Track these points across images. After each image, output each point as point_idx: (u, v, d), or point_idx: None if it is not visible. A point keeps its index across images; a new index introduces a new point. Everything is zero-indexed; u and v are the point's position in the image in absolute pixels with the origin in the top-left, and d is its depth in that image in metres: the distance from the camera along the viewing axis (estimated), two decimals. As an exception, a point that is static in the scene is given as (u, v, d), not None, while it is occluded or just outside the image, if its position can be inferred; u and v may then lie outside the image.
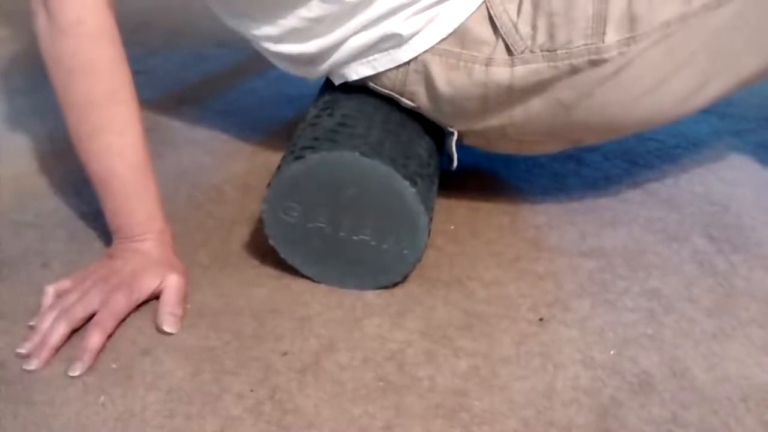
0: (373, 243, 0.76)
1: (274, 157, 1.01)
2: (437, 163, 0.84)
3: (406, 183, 0.72)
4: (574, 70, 0.75)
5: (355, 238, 0.76)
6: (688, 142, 1.09)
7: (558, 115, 0.78)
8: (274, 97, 1.20)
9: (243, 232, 0.88)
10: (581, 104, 0.77)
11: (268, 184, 0.75)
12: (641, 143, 1.08)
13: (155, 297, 0.76)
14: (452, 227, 0.90)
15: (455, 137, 0.83)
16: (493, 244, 0.87)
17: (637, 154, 1.05)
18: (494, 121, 0.80)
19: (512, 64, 0.76)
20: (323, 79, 0.92)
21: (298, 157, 0.73)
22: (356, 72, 0.81)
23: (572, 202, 0.95)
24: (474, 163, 1.01)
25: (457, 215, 0.92)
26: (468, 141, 0.85)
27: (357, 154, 0.71)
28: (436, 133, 0.86)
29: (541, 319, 0.77)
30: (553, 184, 0.99)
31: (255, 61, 1.28)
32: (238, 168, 1.01)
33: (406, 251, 0.76)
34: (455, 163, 0.84)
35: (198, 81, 1.25)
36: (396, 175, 0.72)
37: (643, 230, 0.90)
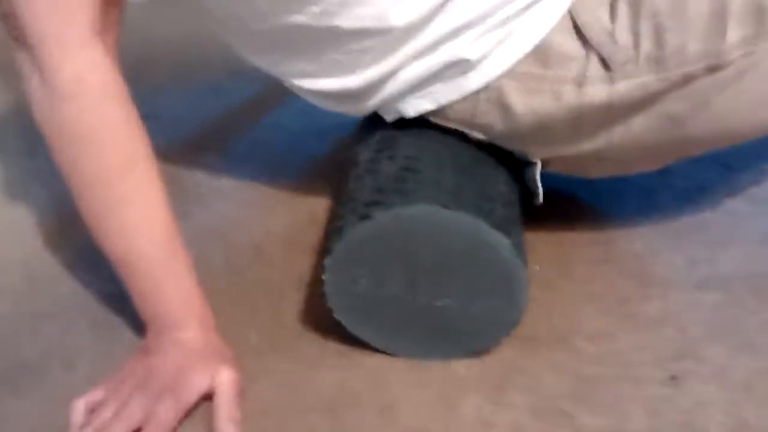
0: (459, 307, 0.63)
1: (317, 205, 0.88)
2: (518, 198, 0.71)
3: (498, 234, 0.59)
4: (688, 79, 0.62)
5: (436, 303, 0.63)
6: None
7: (666, 131, 0.65)
8: (303, 130, 1.06)
9: (295, 301, 0.75)
10: (695, 117, 0.64)
11: (328, 250, 0.62)
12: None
13: (207, 398, 0.63)
14: (537, 268, 0.76)
15: (539, 167, 0.69)
16: (589, 285, 0.74)
17: (729, 157, 0.92)
18: (588, 145, 0.67)
19: (611, 81, 0.63)
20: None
21: (364, 217, 0.60)
22: (414, 107, 0.68)
23: (669, 220, 0.82)
24: (546, 186, 0.88)
25: (539, 252, 0.78)
26: (554, 168, 0.71)
27: (436, 207, 0.58)
28: (512, 161, 0.73)
29: (672, 378, 0.64)
30: (642, 201, 0.85)
31: (277, 89, 1.15)
32: (277, 221, 0.88)
33: (502, 313, 0.63)
34: (540, 197, 0.71)
35: (215, 120, 1.12)
36: (485, 226, 0.59)
37: (761, 248, 0.77)
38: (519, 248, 0.61)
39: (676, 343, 0.67)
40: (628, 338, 0.68)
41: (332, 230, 0.64)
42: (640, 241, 0.79)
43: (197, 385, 0.62)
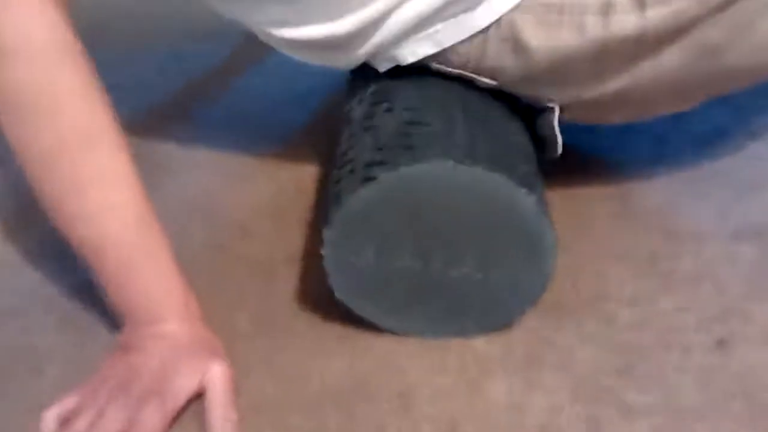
0: (477, 277, 0.55)
1: (303, 174, 0.79)
2: (534, 150, 0.63)
3: (522, 190, 0.51)
4: (730, 1, 0.54)
5: (452, 274, 0.55)
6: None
7: (701, 63, 0.58)
8: (282, 96, 0.97)
9: (289, 279, 0.67)
10: (735, 45, 0.56)
11: (326, 220, 0.54)
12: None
13: (196, 397, 0.55)
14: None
15: (556, 113, 0.62)
16: (612, 243, 0.67)
17: (740, 98, 0.84)
18: (612, 84, 0.59)
19: (642, 8, 0.55)
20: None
21: (366, 179, 0.51)
22: (412, 53, 0.60)
23: (688, 168, 0.75)
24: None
25: (553, 207, 0.71)
26: (570, 116, 0.63)
27: (450, 162, 0.50)
28: (524, 110, 0.65)
29: (720, 342, 0.57)
30: (656, 149, 0.78)
31: (246, 52, 1.06)
32: (260, 192, 0.80)
33: (526, 280, 0.55)
34: (559, 148, 0.63)
35: (183, 88, 1.03)
36: (507, 181, 0.51)
37: (794, 193, 0.70)
38: (544, 206, 0.53)
39: (718, 302, 0.60)
40: (665, 300, 0.61)
41: (328, 198, 0.56)
42: (660, 192, 0.72)
43: (185, 385, 0.54)
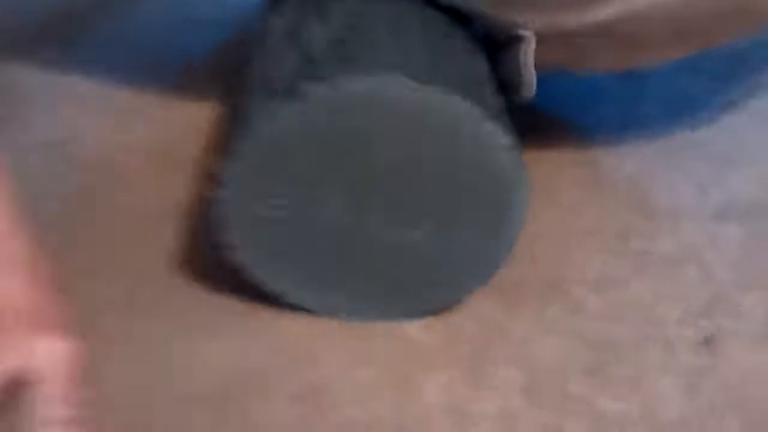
0: (423, 241, 0.42)
1: (197, 113, 0.65)
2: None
3: (493, 125, 0.39)
4: None
5: (390, 235, 0.42)
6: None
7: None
8: (176, 22, 0.81)
9: (173, 236, 0.52)
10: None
11: (228, 151, 0.40)
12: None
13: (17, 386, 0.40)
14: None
15: (531, 43, 0.49)
16: (581, 214, 0.55)
17: (714, 65, 0.75)
18: (602, 9, 0.47)
19: None
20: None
21: (289, 95, 0.37)
22: None
23: (661, 137, 0.64)
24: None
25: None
26: (544, 56, 0.51)
27: (403, 78, 0.37)
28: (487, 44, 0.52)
29: (707, 340, 0.46)
30: (623, 114, 0.67)
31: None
32: (143, 132, 0.64)
33: (483, 248, 0.43)
34: (532, 87, 0.51)
35: (59, 7, 0.86)
36: (476, 110, 0.38)
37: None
38: (519, 152, 0.41)
39: (704, 290, 0.49)
40: (642, 285, 0.49)
41: (233, 125, 0.42)
42: (632, 160, 0.61)
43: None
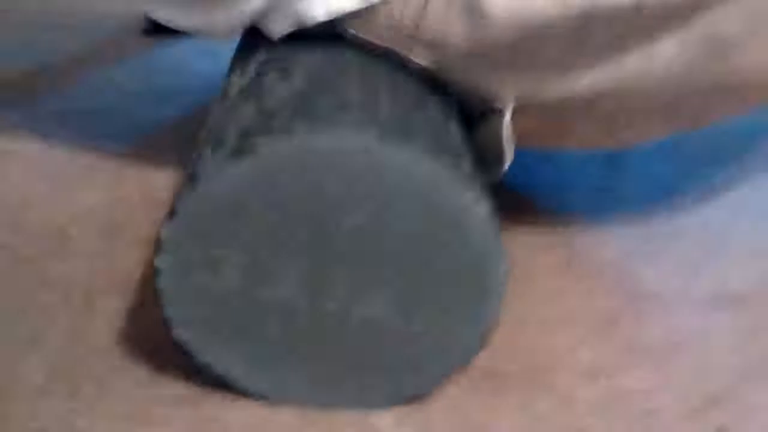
0: (387, 320, 0.37)
1: (153, 181, 0.61)
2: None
3: (470, 193, 0.34)
4: None
5: (354, 313, 0.37)
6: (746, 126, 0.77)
7: (702, 60, 0.44)
8: (141, 90, 0.78)
9: (110, 311, 0.47)
10: (749, 41, 0.43)
11: (170, 212, 0.35)
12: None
13: None
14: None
15: (508, 115, 0.45)
16: (565, 301, 0.51)
17: (687, 145, 0.72)
18: (587, 78, 0.44)
19: None
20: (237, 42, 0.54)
21: (240, 151, 0.33)
22: (327, 6, 0.43)
23: (639, 222, 0.61)
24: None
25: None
26: (520, 126, 0.47)
27: (370, 135, 0.33)
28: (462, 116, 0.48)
29: (717, 434, 0.41)
30: (601, 195, 0.64)
31: (107, 44, 0.87)
32: (92, 196, 0.60)
33: (460, 332, 0.38)
34: (508, 158, 0.47)
35: (24, 73, 0.82)
36: (451, 176, 0.34)
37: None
38: (497, 222, 0.37)
39: (706, 380, 0.45)
40: (637, 374, 0.45)
41: (180, 186, 0.37)
42: (611, 245, 0.57)
43: None
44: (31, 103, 0.76)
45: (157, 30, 0.87)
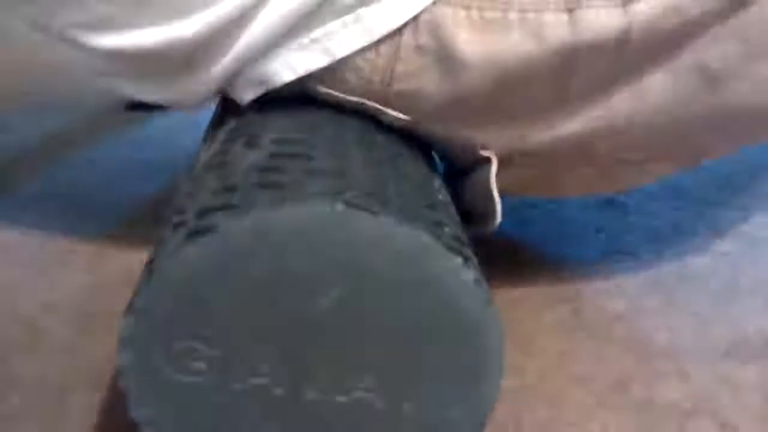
0: (379, 404, 0.34)
1: (135, 257, 0.57)
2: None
3: (456, 259, 0.31)
4: (742, 3, 0.38)
5: (335, 399, 0.34)
6: (751, 164, 0.75)
7: (694, 93, 0.41)
8: (122, 167, 0.76)
9: (84, 408, 0.44)
10: (742, 74, 0.40)
11: (128, 306, 0.32)
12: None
13: None
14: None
15: (493, 167, 0.43)
16: (571, 364, 0.47)
17: (695, 189, 0.70)
18: (575, 122, 0.42)
19: (624, 1, 0.38)
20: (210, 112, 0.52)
21: (198, 232, 0.30)
22: (291, 66, 0.41)
23: (649, 268, 0.58)
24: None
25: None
26: (508, 177, 0.44)
27: (341, 206, 0.30)
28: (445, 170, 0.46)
29: None
30: (605, 245, 0.61)
31: (86, 124, 0.86)
32: (68, 284, 0.57)
33: (454, 414, 0.34)
34: (497, 215, 0.44)
35: (2, 157, 0.80)
36: (433, 243, 0.31)
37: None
38: (486, 288, 0.33)
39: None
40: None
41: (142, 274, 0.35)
42: (620, 297, 0.54)
43: None
44: (8, 189, 0.73)
45: (141, 104, 0.85)
